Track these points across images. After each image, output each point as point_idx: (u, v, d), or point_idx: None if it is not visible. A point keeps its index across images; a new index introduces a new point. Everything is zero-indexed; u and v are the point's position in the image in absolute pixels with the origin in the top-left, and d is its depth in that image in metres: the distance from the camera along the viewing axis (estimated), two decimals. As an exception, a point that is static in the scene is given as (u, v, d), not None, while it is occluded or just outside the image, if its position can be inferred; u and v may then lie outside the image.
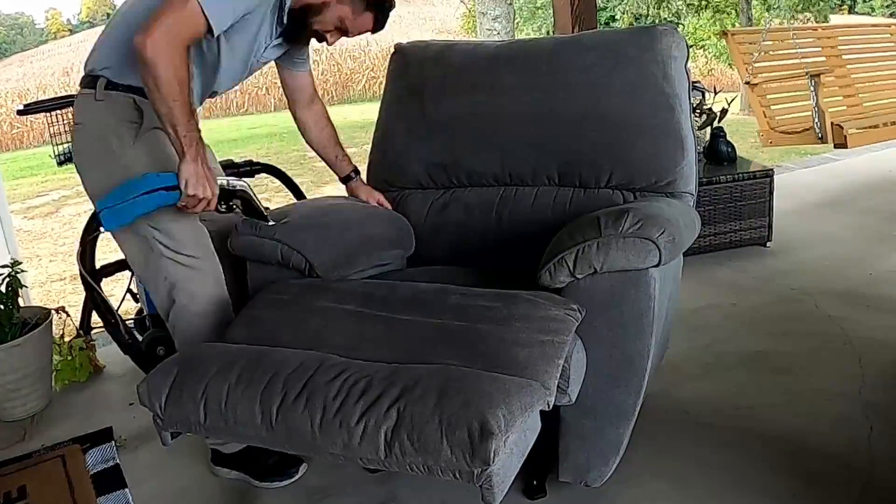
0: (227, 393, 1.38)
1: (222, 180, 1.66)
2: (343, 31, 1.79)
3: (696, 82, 3.22)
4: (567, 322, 1.46)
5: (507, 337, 1.41)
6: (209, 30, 1.57)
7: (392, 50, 2.26)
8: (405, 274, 1.93)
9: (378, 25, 1.80)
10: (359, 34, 1.81)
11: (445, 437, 1.20)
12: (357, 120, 11.35)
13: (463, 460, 1.19)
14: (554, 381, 1.37)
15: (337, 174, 2.12)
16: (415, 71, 2.19)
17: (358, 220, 1.99)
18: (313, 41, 1.86)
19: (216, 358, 1.47)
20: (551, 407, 1.37)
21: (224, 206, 1.67)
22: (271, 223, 1.77)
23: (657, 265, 1.49)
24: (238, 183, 1.69)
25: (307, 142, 2.09)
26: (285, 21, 1.75)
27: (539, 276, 1.56)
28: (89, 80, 1.72)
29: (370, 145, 2.25)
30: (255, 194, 1.72)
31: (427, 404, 1.24)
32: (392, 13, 1.84)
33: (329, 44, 1.82)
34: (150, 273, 1.76)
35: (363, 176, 2.18)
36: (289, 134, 10.91)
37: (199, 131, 1.61)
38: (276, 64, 1.96)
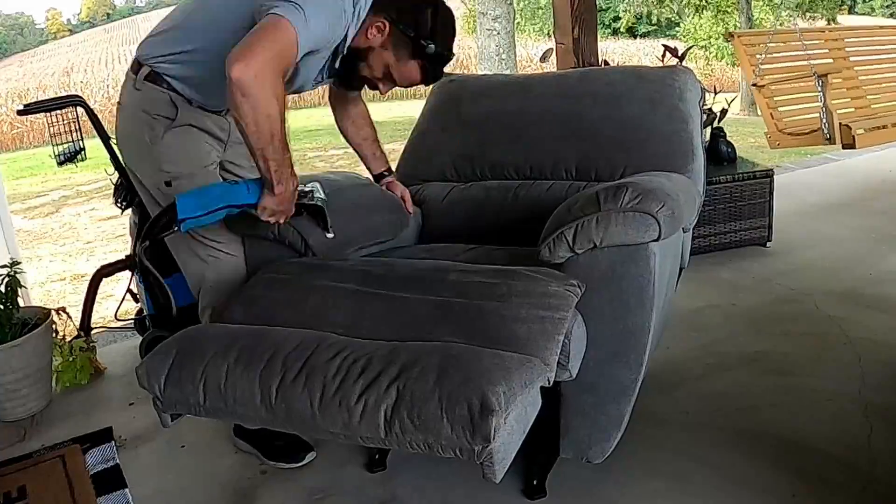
0: (226, 373, 1.38)
1: (310, 186, 1.69)
2: (392, 80, 1.74)
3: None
4: (567, 298, 1.46)
5: (507, 313, 1.41)
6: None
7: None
8: (405, 251, 1.94)
9: (428, 77, 1.74)
10: (409, 85, 1.76)
11: (445, 414, 1.19)
12: (357, 120, 11.34)
13: (464, 438, 1.18)
14: (554, 357, 1.37)
15: (369, 171, 2.12)
16: (457, 85, 2.38)
17: (355, 200, 1.99)
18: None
19: (215, 338, 1.47)
20: (552, 383, 1.37)
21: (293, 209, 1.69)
22: (330, 236, 1.77)
23: (657, 239, 1.48)
24: (319, 196, 1.71)
25: (341, 133, 2.07)
26: (337, 65, 1.73)
27: (539, 251, 1.56)
28: (135, 66, 1.75)
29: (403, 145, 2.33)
30: (328, 209, 1.72)
31: (427, 382, 1.24)
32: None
33: (382, 92, 1.78)
34: (184, 253, 1.84)
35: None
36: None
37: (291, 165, 1.57)
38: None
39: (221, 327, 1.55)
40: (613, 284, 1.51)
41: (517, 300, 1.44)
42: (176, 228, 1.61)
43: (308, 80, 1.74)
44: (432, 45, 1.68)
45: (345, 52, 1.69)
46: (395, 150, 2.39)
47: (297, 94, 1.86)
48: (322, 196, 1.71)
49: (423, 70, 1.72)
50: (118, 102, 1.81)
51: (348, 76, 1.76)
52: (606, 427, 1.61)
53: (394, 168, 2.27)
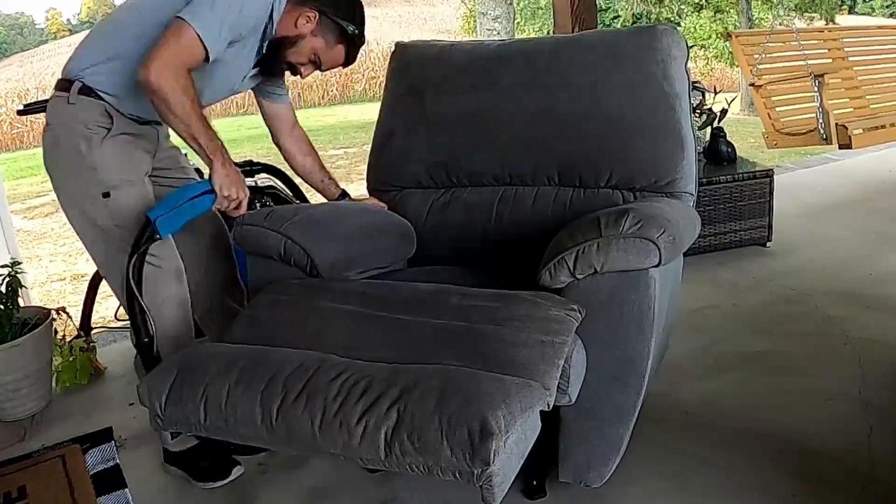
0: (227, 393, 1.38)
1: (250, 181, 1.74)
2: (316, 65, 1.86)
3: (696, 82, 3.22)
4: (567, 322, 1.46)
5: (507, 337, 1.41)
6: (206, 56, 1.65)
7: (392, 48, 2.27)
8: (406, 274, 1.93)
9: (349, 59, 1.88)
10: (330, 68, 1.88)
11: (445, 437, 1.20)
12: (357, 120, 11.33)
13: (463, 461, 1.19)
14: (554, 382, 1.37)
15: (326, 198, 2.16)
16: (415, 70, 2.19)
17: (361, 222, 2.00)
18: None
19: (216, 358, 1.47)
20: (551, 407, 1.37)
21: (258, 204, 1.74)
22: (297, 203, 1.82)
23: (657, 265, 1.49)
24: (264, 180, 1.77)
25: (292, 168, 2.14)
26: (264, 51, 1.81)
27: (539, 276, 1.56)
28: (64, 84, 1.77)
29: (370, 145, 2.25)
30: (282, 187, 1.77)
31: (427, 404, 1.24)
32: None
33: (302, 77, 1.88)
34: (113, 271, 1.84)
35: (363, 177, 2.22)
36: (289, 134, 10.86)
37: (219, 139, 1.70)
38: (255, 96, 2.03)
39: (223, 347, 1.55)
40: (614, 309, 1.52)
41: (518, 324, 1.44)
42: (157, 237, 1.68)
43: (238, 74, 1.84)
44: (355, 29, 1.84)
45: (273, 33, 1.78)
46: (356, 154, 2.37)
47: (234, 95, 1.97)
48: (266, 180, 1.83)
49: (347, 53, 1.86)
50: (46, 124, 1.82)
51: (272, 62, 1.84)
52: (605, 451, 1.61)
53: (363, 174, 2.24)
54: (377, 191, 2.19)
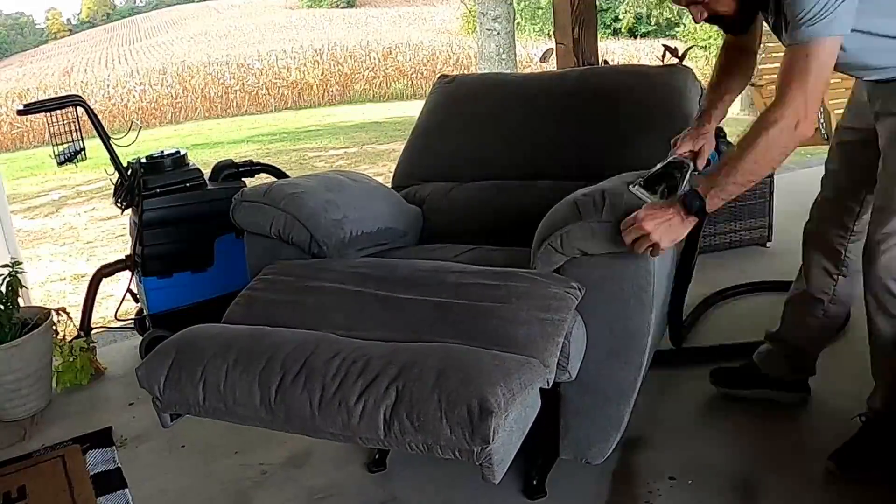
0: (225, 374, 1.38)
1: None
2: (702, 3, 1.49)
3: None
4: (567, 300, 1.46)
5: (507, 315, 1.41)
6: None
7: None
8: (406, 252, 1.94)
9: (739, 21, 1.53)
10: (715, 13, 1.50)
11: (445, 415, 1.20)
12: (357, 120, 11.35)
13: (463, 439, 1.18)
14: (554, 359, 1.37)
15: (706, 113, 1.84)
16: (456, 85, 2.42)
17: (362, 199, 2.00)
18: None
19: (214, 339, 1.47)
20: (551, 384, 1.37)
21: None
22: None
23: None
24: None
25: (719, 78, 1.84)
26: None
27: (532, 264, 1.57)
28: None
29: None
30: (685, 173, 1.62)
31: (426, 383, 1.24)
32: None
33: (696, 21, 1.54)
34: None
35: (391, 173, 2.32)
36: (289, 134, 10.92)
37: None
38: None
39: (220, 328, 1.55)
40: (613, 286, 1.51)
41: (517, 302, 1.44)
42: None
43: None
44: None
45: None
46: (395, 150, 2.40)
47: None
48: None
49: (740, 7, 1.50)
50: None
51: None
52: (606, 428, 1.61)
53: (393, 168, 2.27)
54: (401, 187, 2.26)
